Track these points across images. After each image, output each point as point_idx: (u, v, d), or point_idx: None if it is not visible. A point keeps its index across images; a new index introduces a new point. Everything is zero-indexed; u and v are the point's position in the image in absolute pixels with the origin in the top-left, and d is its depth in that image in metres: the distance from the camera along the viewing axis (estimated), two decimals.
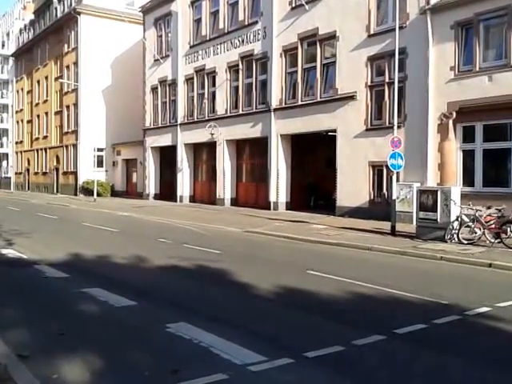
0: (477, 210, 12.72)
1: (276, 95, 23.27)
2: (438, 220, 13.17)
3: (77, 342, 5.39)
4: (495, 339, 5.84)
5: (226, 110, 26.31)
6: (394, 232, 14.51)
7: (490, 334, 6.03)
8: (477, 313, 6.66)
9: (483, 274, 9.66)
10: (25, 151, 51.01)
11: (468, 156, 16.66)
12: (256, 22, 24.41)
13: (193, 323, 5.95)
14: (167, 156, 31.95)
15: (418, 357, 5.17)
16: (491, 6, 15.55)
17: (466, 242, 12.51)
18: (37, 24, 49.18)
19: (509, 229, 12.16)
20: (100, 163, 37.50)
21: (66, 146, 41.34)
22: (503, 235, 12.15)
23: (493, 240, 12.27)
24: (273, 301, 7.45)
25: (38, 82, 47.63)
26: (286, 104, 22.93)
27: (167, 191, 31.57)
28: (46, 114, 45.54)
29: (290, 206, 23.43)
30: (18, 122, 53.55)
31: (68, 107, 41.09)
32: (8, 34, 64.17)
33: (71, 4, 40.93)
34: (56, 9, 44.33)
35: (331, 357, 4.99)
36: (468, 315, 6.57)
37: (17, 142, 53.57)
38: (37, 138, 47.86)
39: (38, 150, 47.48)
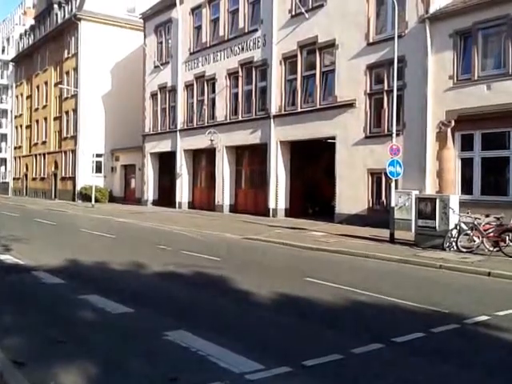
0: (475, 218, 12.71)
1: (275, 102, 23.32)
2: (437, 228, 13.15)
3: (73, 349, 5.36)
4: (494, 348, 5.81)
5: (226, 117, 26.35)
6: (392, 239, 14.49)
7: (489, 342, 6.01)
8: (476, 321, 6.65)
9: (482, 282, 9.64)
10: (23, 156, 50.98)
11: (466, 164, 16.67)
12: (256, 30, 24.50)
13: (190, 331, 5.92)
14: (166, 162, 31.94)
15: (417, 366, 5.14)
16: (490, 15, 15.63)
17: (464, 250, 12.49)
18: (37, 29, 49.27)
19: (507, 237, 12.12)
20: (98, 169, 37.47)
21: (65, 152, 41.32)
22: (502, 244, 12.12)
23: (491, 248, 12.25)
24: (271, 309, 7.42)
25: (38, 87, 47.70)
26: (285, 111, 22.97)
27: (166, 197, 31.55)
28: (45, 119, 45.57)
29: (289, 212, 23.41)
30: (16, 127, 53.57)
31: (67, 113, 41.14)
32: (8, 40, 64.21)
33: (72, 10, 41.03)
34: (57, 15, 44.43)
35: (329, 365, 4.97)
36: (467, 324, 6.55)
37: (15, 147, 53.55)
38: (35, 144, 47.86)
39: (36, 156, 47.47)
